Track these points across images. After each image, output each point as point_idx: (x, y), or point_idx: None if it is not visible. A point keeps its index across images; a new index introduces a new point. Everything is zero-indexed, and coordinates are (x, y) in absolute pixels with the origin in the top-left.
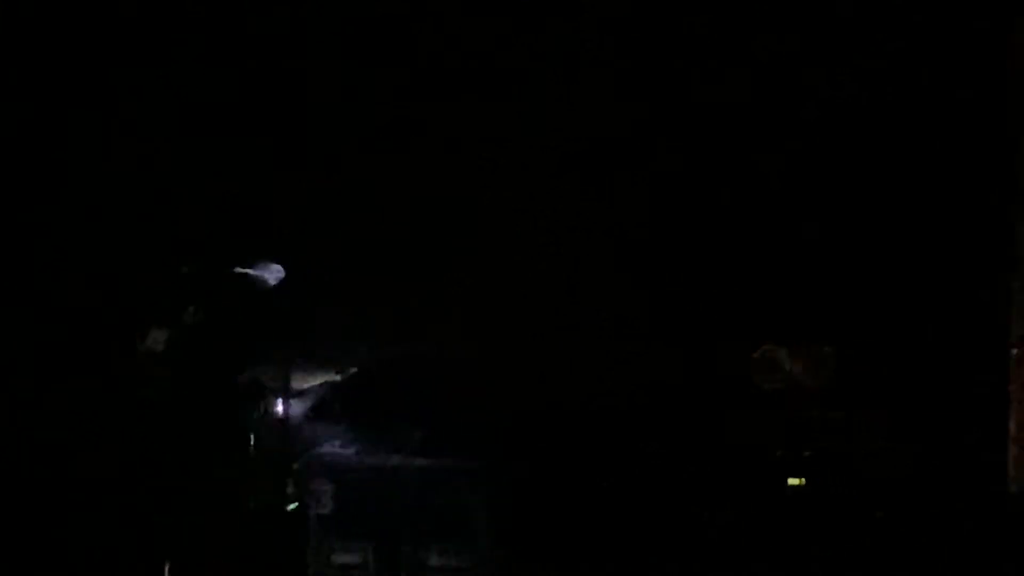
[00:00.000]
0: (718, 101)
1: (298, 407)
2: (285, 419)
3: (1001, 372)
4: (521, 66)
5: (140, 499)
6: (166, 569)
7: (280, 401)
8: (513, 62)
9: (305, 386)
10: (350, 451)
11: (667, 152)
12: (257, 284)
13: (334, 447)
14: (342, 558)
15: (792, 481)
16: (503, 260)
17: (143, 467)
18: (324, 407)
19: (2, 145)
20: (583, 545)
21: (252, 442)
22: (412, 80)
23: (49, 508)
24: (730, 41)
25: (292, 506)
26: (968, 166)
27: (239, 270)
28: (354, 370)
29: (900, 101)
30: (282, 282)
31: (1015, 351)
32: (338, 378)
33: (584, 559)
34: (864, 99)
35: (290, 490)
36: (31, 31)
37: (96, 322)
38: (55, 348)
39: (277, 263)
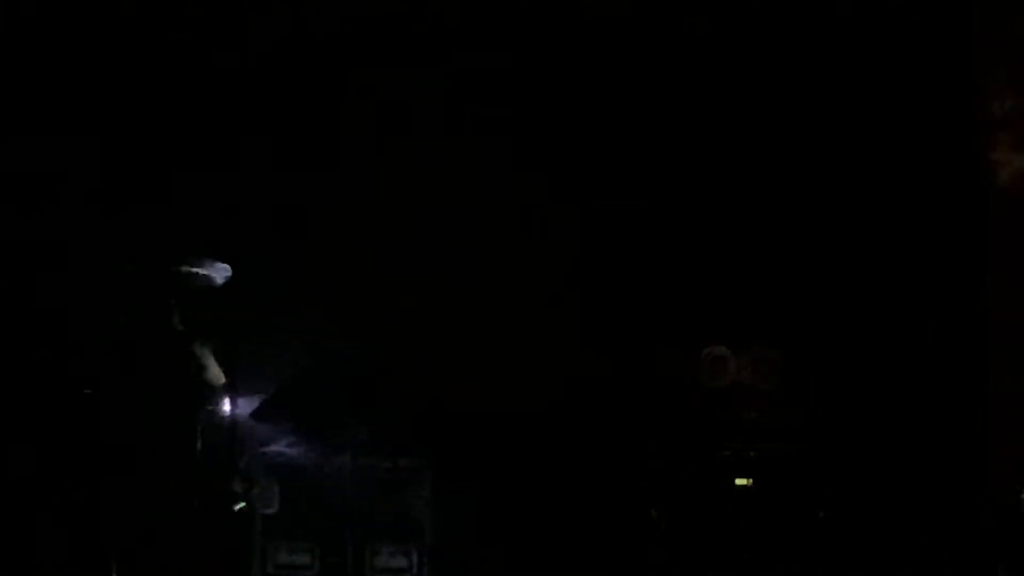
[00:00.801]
0: (666, 104)
1: (244, 406)
2: (231, 418)
3: (955, 374)
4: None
5: (85, 498)
6: (113, 569)
7: (226, 400)
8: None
9: (252, 385)
10: (297, 451)
11: (616, 153)
12: (204, 283)
13: (280, 446)
14: (288, 558)
15: (739, 481)
16: (449, 261)
17: (87, 466)
18: (271, 406)
19: None
20: (530, 545)
21: (198, 442)
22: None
23: None
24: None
25: (238, 506)
26: (917, 165)
27: (186, 269)
28: (301, 369)
29: (850, 106)
30: (229, 281)
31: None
32: (285, 378)
33: (531, 559)
34: (814, 105)
35: (236, 490)
36: None
37: (39, 322)
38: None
39: (224, 262)
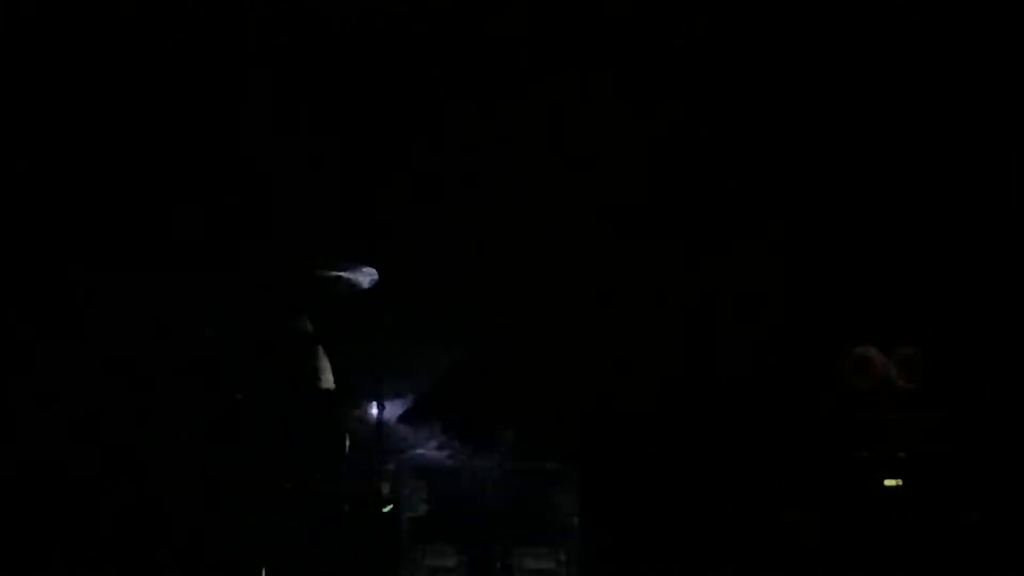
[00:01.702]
0: (804, 97)
1: (392, 409)
2: (379, 421)
3: None
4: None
5: (235, 503)
6: (263, 572)
7: (374, 403)
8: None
9: (399, 388)
10: (443, 453)
11: (757, 148)
12: (350, 286)
13: (428, 449)
14: (435, 560)
15: (888, 482)
16: (593, 260)
17: (238, 470)
18: (417, 409)
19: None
20: (676, 547)
21: (346, 445)
22: (485, 85)
23: (143, 511)
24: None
25: (386, 508)
26: None
27: (332, 273)
28: (448, 372)
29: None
30: (376, 284)
31: None
32: (431, 379)
33: (677, 561)
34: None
35: (384, 492)
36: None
37: (189, 322)
38: (148, 350)
39: (370, 266)
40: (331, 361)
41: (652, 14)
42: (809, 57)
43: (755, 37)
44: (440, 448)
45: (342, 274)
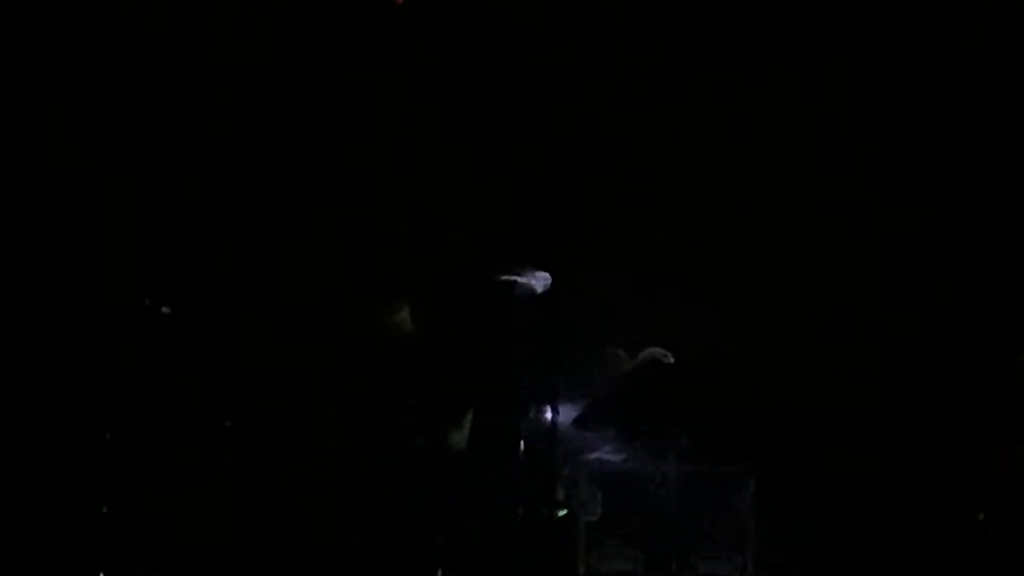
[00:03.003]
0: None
1: (567, 413)
2: (554, 425)
3: None
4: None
5: (408, 507)
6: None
7: (549, 407)
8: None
9: (573, 392)
10: (619, 457)
11: (938, 151)
12: (525, 290)
13: (603, 453)
14: (611, 564)
15: None
16: (769, 261)
17: (411, 474)
18: (592, 413)
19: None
20: (856, 553)
21: (521, 449)
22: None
23: (316, 513)
24: None
25: (561, 513)
26: None
27: (507, 277)
28: (622, 375)
29: None
30: (549, 289)
31: None
32: (605, 383)
33: (858, 567)
34: None
35: (559, 496)
36: None
37: (361, 329)
38: (319, 354)
39: (544, 270)
40: (506, 366)
41: None
42: None
43: None
44: (615, 452)
45: (516, 278)
